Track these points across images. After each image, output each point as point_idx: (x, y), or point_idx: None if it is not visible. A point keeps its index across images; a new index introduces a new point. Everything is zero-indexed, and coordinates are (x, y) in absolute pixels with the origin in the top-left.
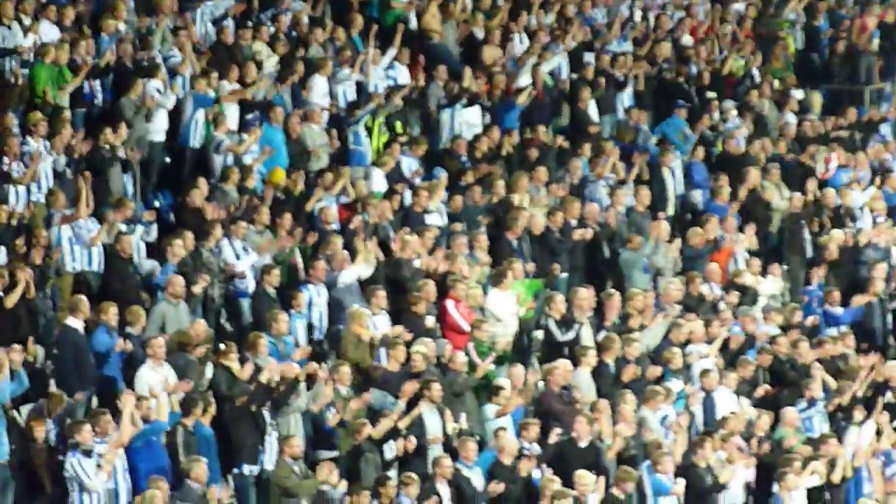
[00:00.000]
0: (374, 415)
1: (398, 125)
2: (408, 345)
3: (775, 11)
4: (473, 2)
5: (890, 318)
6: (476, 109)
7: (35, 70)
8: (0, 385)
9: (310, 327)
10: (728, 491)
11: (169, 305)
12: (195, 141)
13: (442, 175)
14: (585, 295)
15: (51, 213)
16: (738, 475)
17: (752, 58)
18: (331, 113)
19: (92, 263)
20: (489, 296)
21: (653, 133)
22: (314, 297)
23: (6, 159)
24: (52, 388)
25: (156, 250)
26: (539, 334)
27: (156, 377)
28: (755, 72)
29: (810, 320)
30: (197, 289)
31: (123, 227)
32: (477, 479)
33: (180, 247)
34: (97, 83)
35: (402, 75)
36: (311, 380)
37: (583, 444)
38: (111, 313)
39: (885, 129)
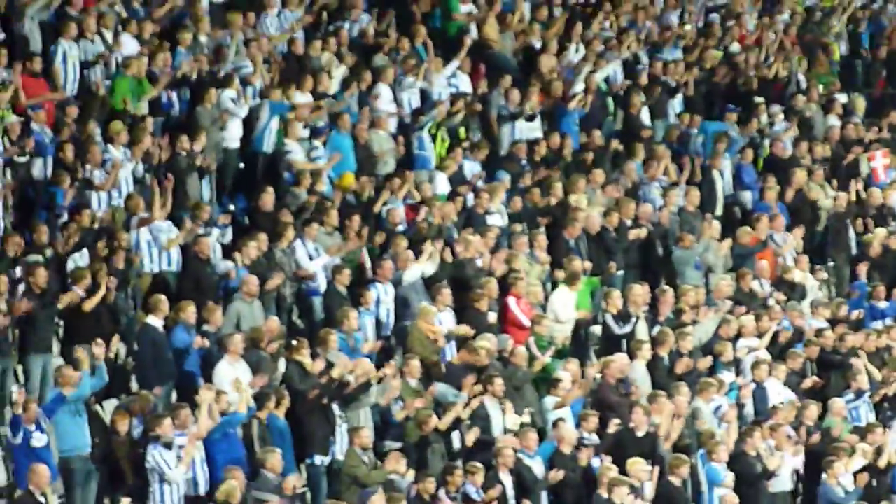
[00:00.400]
0: (440, 407)
1: (461, 131)
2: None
3: (821, 20)
4: (531, 13)
5: None
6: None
7: (116, 81)
8: (81, 381)
9: (378, 323)
10: (777, 478)
11: (243, 304)
12: (268, 147)
13: (503, 177)
14: (640, 291)
15: (130, 217)
16: (786, 463)
17: (798, 64)
18: (398, 119)
19: (170, 264)
20: (556, 293)
21: (699, 132)
22: (382, 294)
23: (89, 166)
24: (134, 384)
25: (231, 252)
26: (596, 329)
27: (233, 372)
28: (801, 77)
29: (856, 314)
30: (271, 284)
31: (201, 230)
32: (538, 467)
33: (254, 248)
34: (174, 93)
35: (464, 84)
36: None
37: (640, 433)
38: (189, 312)
39: None
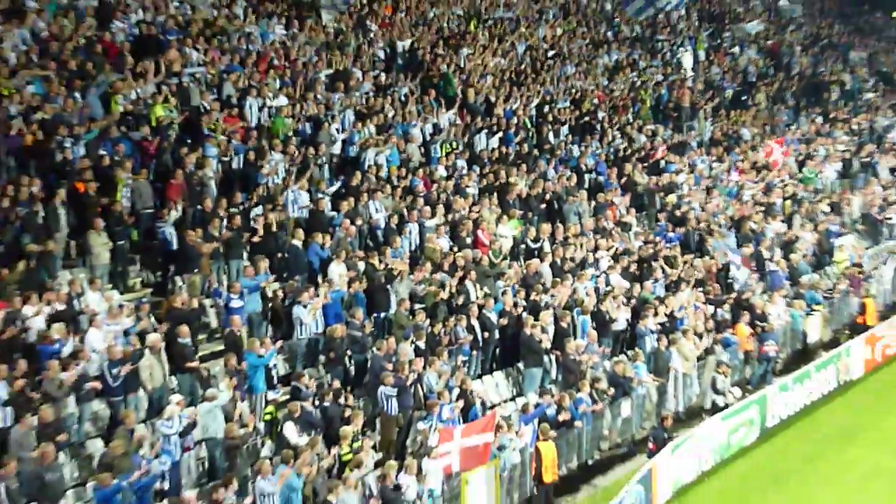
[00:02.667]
0: (441, 286)
1: (454, 143)
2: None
3: (639, 87)
4: (491, 80)
5: (698, 238)
6: (495, 137)
7: (275, 120)
8: (259, 276)
9: (410, 244)
10: (616, 323)
11: (342, 233)
12: (353, 153)
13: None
14: (545, 227)
15: (285, 189)
16: (622, 315)
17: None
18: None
19: (303, 213)
20: (499, 227)
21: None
22: (413, 229)
23: (270, 166)
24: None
25: (335, 206)
26: (522, 246)
27: (338, 270)
28: (630, 117)
29: (658, 239)
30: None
31: (319, 194)
32: (493, 317)
33: (347, 205)
34: (307, 125)
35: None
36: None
37: (545, 302)
38: (317, 237)
39: (693, 143)
